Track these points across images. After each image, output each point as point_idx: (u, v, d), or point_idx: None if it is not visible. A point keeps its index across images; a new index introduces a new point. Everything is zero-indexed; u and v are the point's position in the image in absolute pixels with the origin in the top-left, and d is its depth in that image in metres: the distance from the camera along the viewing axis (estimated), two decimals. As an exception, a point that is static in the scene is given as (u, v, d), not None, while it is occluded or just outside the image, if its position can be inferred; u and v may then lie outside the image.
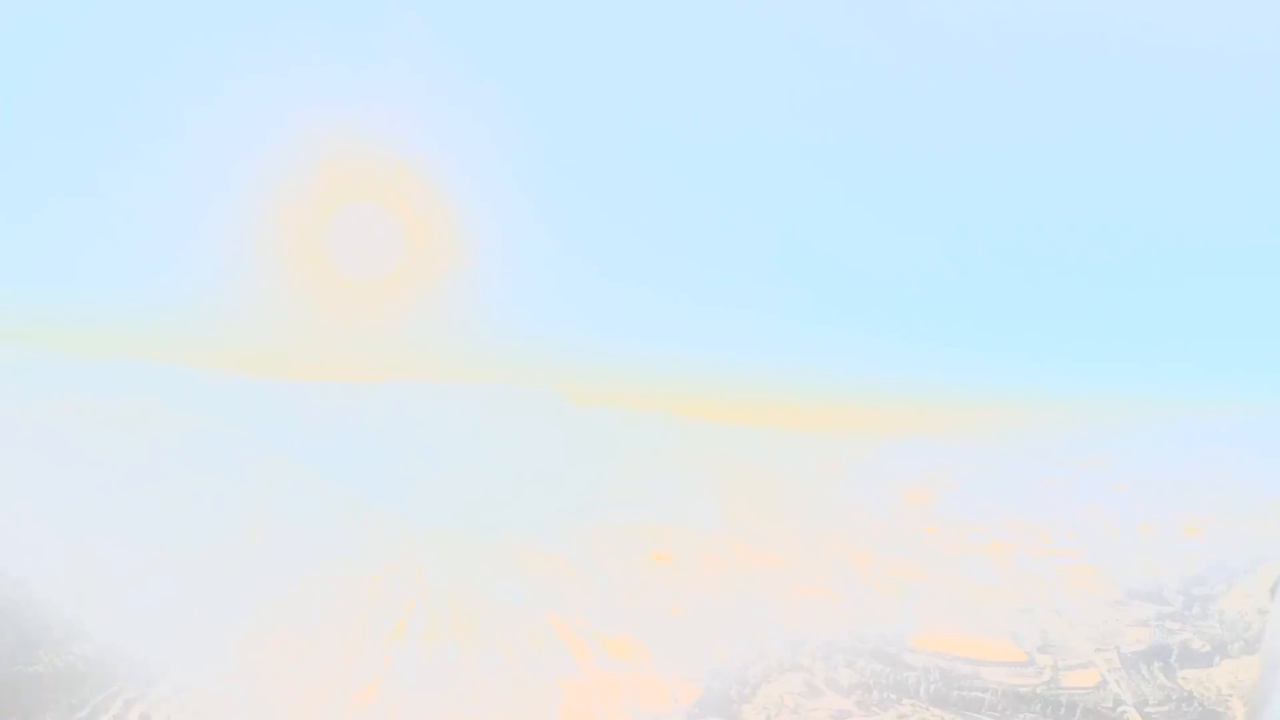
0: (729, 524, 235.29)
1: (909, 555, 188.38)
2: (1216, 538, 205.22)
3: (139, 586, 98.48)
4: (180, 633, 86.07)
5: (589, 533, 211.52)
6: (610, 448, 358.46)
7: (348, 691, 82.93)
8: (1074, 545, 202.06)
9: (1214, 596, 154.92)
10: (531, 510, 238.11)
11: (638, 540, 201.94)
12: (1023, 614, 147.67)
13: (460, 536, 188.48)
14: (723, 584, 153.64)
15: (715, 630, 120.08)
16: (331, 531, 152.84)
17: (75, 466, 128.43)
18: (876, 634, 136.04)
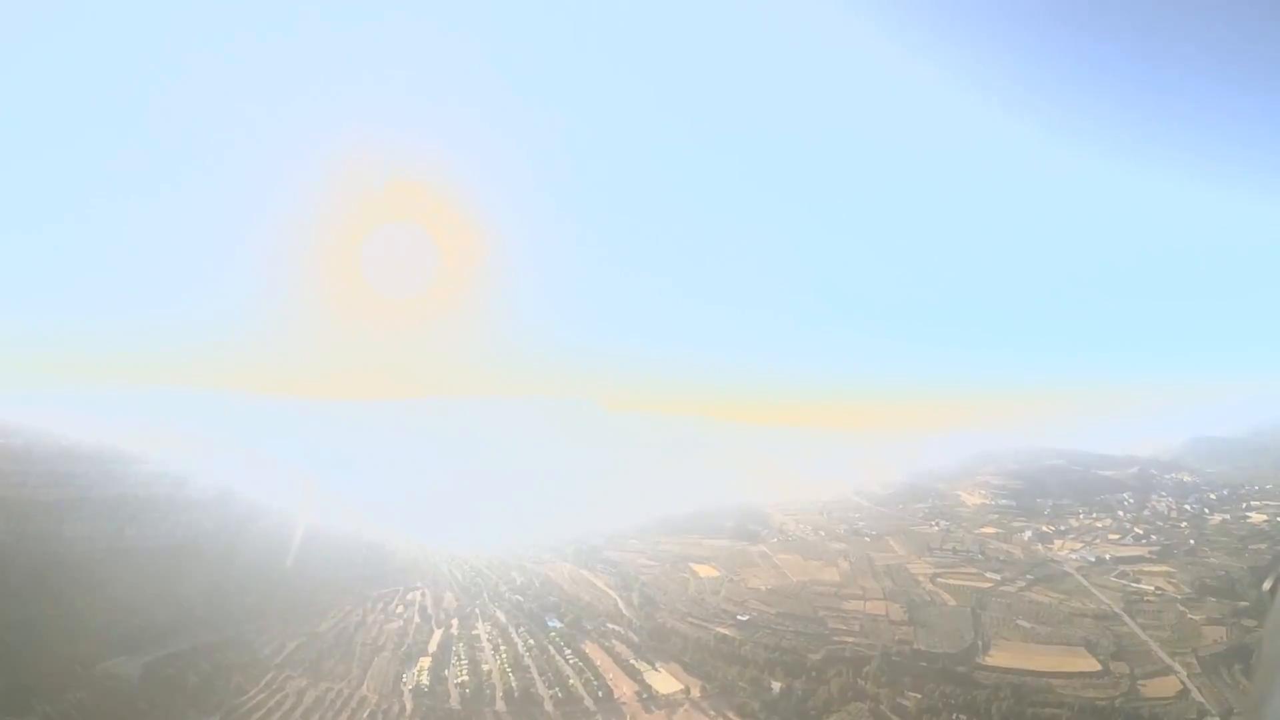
0: (776, 533, 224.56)
1: (970, 560, 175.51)
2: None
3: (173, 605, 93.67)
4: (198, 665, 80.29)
5: (628, 548, 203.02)
6: (646, 456, 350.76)
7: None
8: (1141, 543, 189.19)
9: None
10: (567, 527, 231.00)
11: (680, 553, 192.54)
12: (1094, 619, 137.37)
13: (494, 556, 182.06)
14: (773, 600, 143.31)
15: (768, 655, 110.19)
16: (362, 554, 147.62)
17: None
18: (943, 650, 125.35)
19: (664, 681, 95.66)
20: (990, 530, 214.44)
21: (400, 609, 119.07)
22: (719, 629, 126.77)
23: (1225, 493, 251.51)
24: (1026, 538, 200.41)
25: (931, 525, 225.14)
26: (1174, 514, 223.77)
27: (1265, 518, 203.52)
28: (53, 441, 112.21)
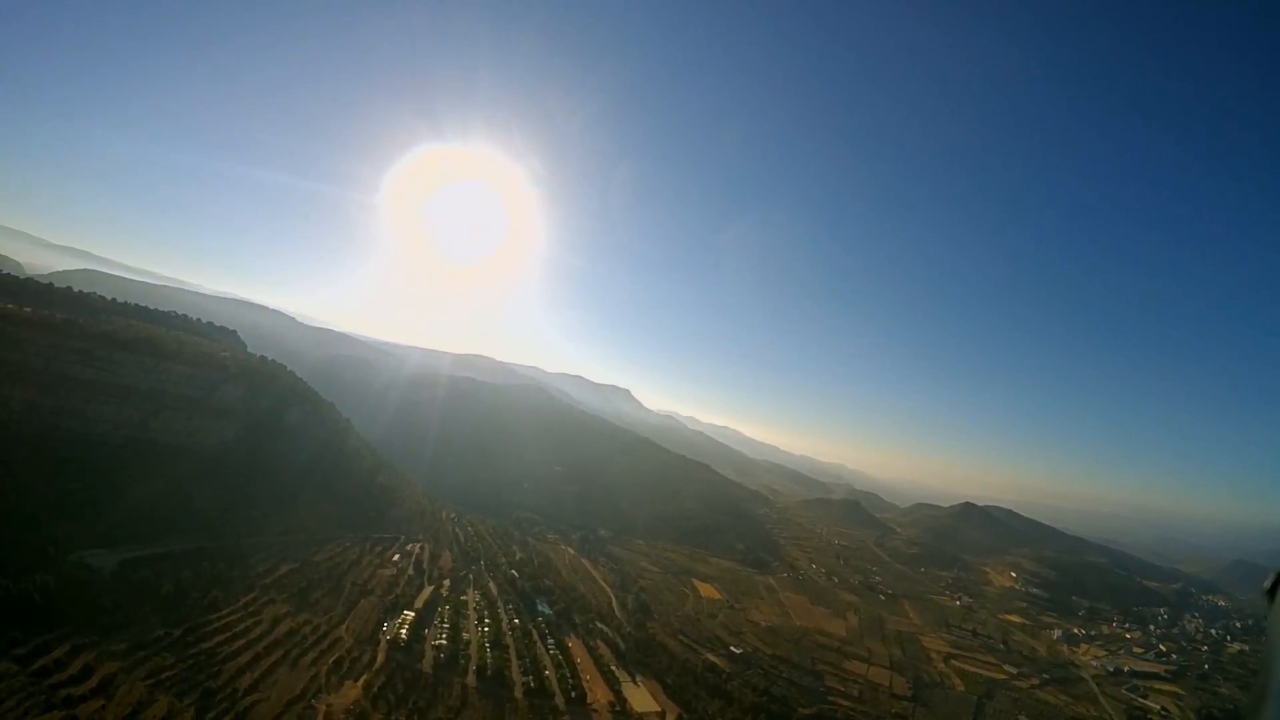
0: (786, 568, 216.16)
1: (990, 647, 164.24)
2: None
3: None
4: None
5: (633, 548, 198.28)
6: (675, 461, 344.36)
7: (330, 686, 73.28)
8: (1162, 660, 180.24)
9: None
10: (578, 512, 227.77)
11: (684, 566, 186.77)
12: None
13: (499, 525, 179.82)
14: (772, 640, 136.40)
15: (755, 697, 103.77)
16: (373, 494, 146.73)
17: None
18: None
19: (641, 698, 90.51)
20: (1015, 619, 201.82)
21: (397, 557, 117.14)
22: (709, 655, 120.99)
23: (1251, 622, 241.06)
24: (1056, 636, 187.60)
25: (954, 598, 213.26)
26: (1199, 636, 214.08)
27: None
28: (93, 324, 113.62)
